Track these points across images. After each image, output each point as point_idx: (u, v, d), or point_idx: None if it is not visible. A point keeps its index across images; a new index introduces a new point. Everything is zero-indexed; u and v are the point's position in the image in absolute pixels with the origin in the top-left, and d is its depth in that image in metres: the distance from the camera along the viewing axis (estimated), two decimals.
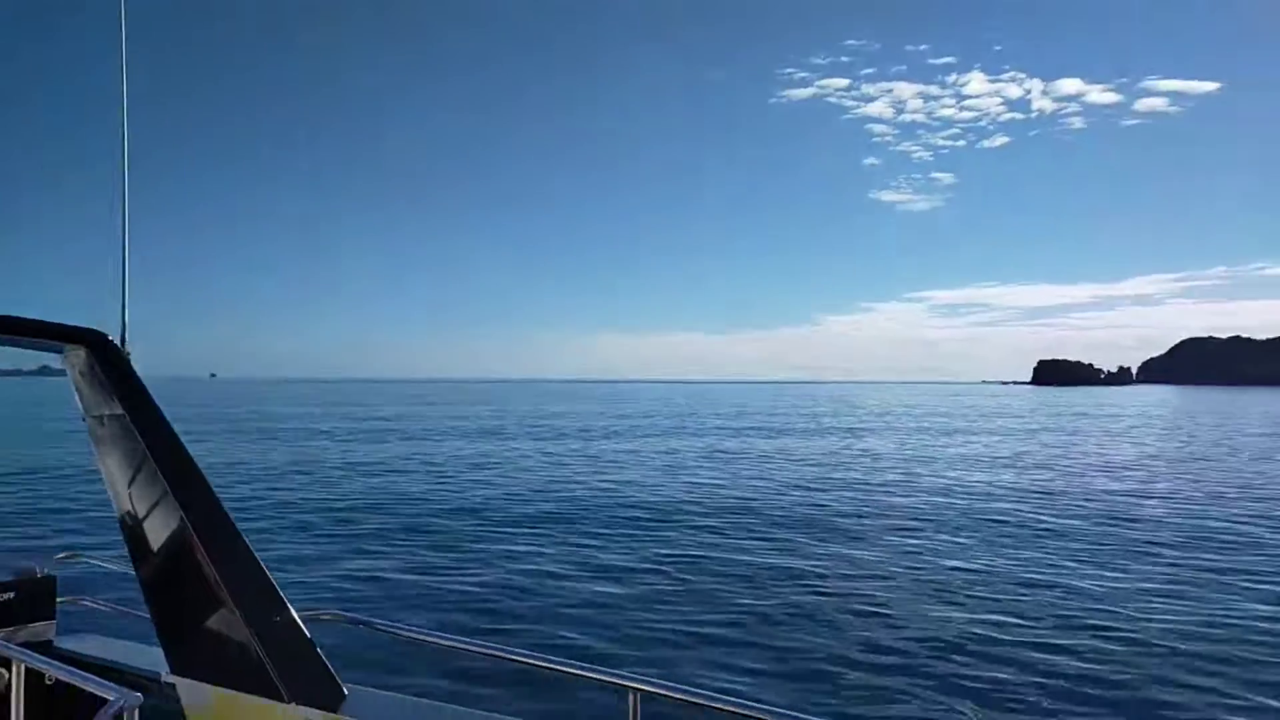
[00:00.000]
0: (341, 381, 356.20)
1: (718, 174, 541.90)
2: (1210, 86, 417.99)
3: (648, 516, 16.39)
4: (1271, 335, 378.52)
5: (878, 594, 10.51)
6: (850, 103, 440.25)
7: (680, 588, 10.75)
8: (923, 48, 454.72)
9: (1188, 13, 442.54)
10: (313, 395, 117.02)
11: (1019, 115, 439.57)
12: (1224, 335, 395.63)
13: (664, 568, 11.87)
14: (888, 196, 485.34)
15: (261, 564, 2.86)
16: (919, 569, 12.04)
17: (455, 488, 20.54)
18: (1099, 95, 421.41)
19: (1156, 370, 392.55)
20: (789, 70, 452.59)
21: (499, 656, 3.11)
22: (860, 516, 16.69)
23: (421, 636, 3.22)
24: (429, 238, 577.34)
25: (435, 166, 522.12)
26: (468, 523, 15.60)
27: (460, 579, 11.14)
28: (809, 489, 20.81)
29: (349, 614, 3.43)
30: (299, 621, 2.86)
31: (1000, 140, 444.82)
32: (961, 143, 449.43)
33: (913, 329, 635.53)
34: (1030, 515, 16.91)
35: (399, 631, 3.30)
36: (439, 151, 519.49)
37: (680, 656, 8.06)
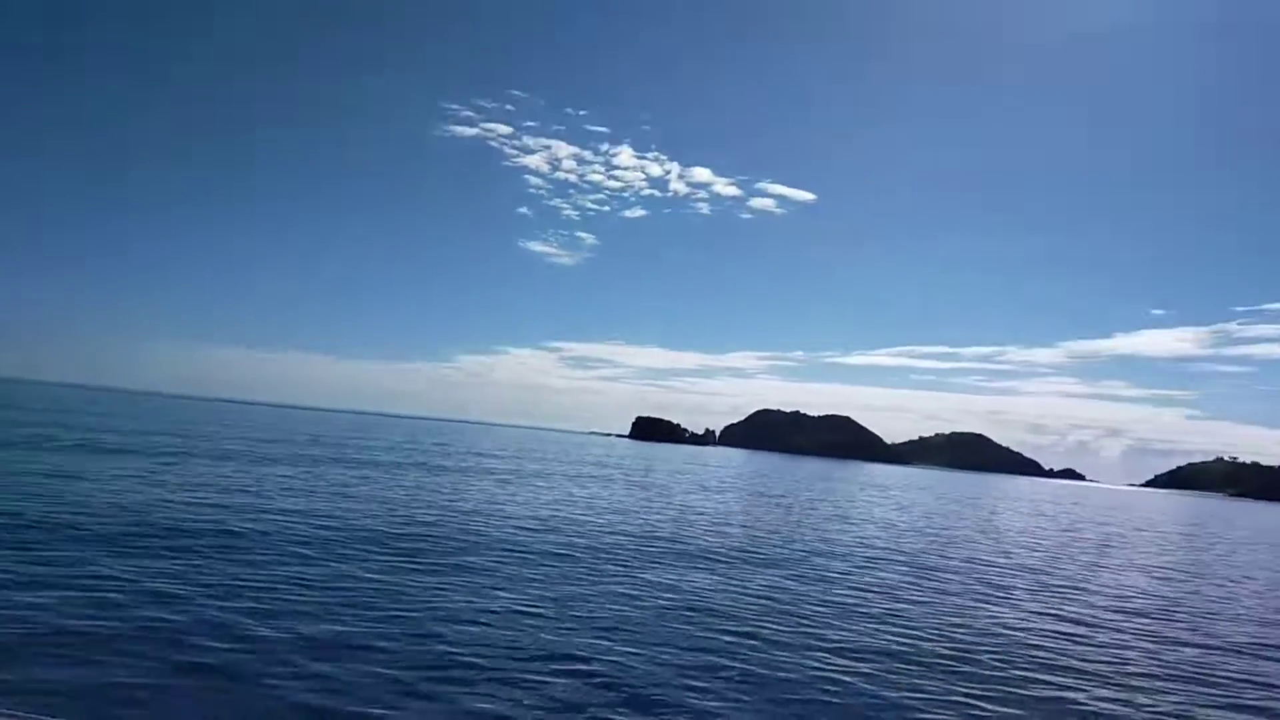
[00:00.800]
0: None
1: (371, 195, 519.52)
2: (808, 196, 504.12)
3: None
4: (823, 413, 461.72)
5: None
6: (511, 151, 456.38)
7: None
8: (582, 113, 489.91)
9: (793, 134, 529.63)
10: None
11: (657, 193, 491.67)
12: (789, 410, 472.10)
13: None
14: (536, 247, 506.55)
15: None
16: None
17: None
18: (724, 188, 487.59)
19: (735, 435, 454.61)
20: (455, 106, 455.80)
21: None
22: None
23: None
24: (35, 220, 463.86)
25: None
26: None
27: None
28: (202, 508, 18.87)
29: None
30: None
31: (639, 212, 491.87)
32: (606, 208, 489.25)
33: (543, 376, 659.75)
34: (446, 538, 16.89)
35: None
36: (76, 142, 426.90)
37: None
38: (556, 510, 27.58)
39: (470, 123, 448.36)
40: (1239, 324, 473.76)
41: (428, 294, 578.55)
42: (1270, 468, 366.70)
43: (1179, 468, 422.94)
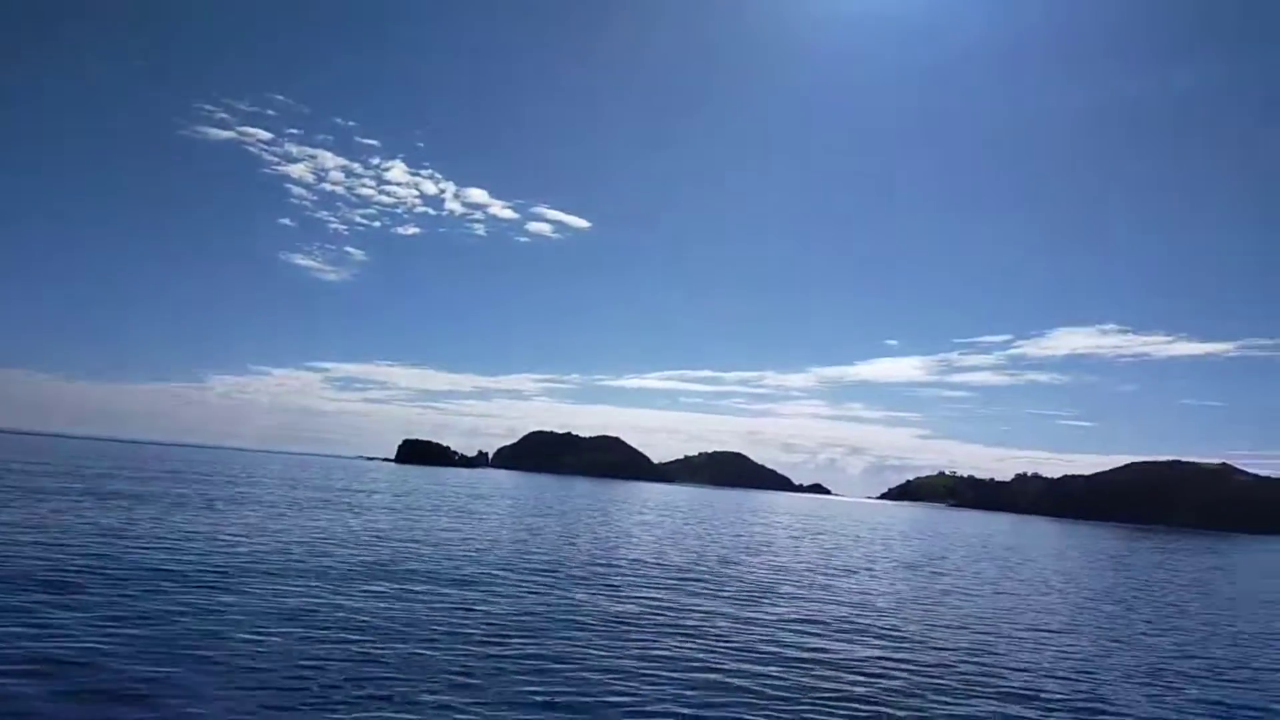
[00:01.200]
0: None
1: (116, 197, 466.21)
2: (583, 223, 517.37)
3: None
4: (595, 434, 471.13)
5: None
6: (271, 158, 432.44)
7: None
8: (351, 124, 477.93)
9: (570, 161, 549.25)
10: None
11: (432, 211, 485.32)
12: (562, 431, 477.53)
13: None
14: (299, 260, 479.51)
15: None
16: None
17: None
18: (500, 210, 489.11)
19: (508, 456, 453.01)
20: (208, 106, 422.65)
21: None
22: None
23: None
24: None
25: None
26: None
27: None
28: None
29: None
30: None
31: (413, 230, 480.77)
32: (378, 224, 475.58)
33: (306, 398, 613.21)
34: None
35: None
36: None
37: None
38: (225, 534, 27.03)
39: (225, 125, 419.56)
40: (959, 354, 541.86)
41: (173, 308, 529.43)
42: (983, 480, 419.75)
43: (908, 481, 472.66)
